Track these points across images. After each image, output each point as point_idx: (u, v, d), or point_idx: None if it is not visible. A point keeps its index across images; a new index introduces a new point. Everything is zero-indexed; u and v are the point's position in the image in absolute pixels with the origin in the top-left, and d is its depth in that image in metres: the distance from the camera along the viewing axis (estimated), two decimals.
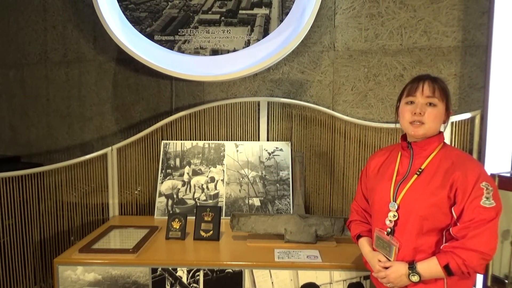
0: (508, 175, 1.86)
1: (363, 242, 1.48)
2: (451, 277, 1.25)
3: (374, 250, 1.42)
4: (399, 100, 1.42)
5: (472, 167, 1.27)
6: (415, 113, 1.32)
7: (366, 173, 1.55)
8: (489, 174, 1.91)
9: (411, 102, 1.34)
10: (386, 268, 1.33)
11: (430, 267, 1.25)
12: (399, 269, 1.29)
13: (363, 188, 1.56)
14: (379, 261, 1.36)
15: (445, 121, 1.37)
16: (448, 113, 1.36)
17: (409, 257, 1.30)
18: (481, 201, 1.21)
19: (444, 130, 1.41)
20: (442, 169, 1.30)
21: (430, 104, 1.31)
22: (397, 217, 1.32)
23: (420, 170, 1.33)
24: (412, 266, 1.27)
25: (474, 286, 2.06)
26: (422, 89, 1.32)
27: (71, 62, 2.64)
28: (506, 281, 1.85)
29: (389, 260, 1.34)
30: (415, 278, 1.26)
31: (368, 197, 1.52)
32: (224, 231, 2.11)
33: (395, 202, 1.33)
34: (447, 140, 2.20)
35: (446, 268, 1.22)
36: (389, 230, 1.34)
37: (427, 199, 1.27)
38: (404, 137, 1.43)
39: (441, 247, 1.27)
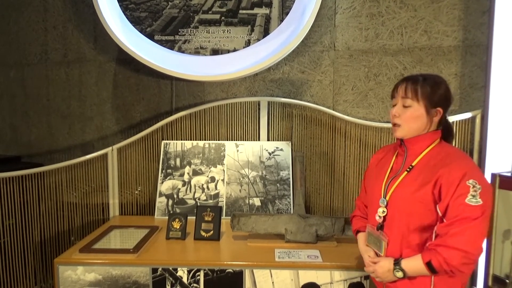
0: (509, 174, 1.86)
1: (360, 238, 1.52)
2: (438, 275, 1.24)
3: (368, 246, 1.45)
4: None
5: (460, 164, 1.25)
6: (394, 116, 1.37)
7: (368, 169, 1.58)
8: (489, 173, 1.92)
9: (395, 105, 1.38)
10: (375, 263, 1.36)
11: (414, 264, 1.26)
12: (385, 265, 1.31)
13: (366, 184, 1.59)
14: (369, 256, 1.40)
15: (432, 120, 1.33)
16: (436, 111, 1.32)
17: (397, 253, 1.32)
18: (466, 198, 1.19)
19: (439, 127, 1.37)
20: (430, 166, 1.30)
21: (405, 105, 1.34)
22: (385, 212, 1.35)
23: (410, 167, 1.35)
24: (397, 262, 1.29)
25: (475, 286, 2.06)
26: (398, 91, 1.36)
27: (71, 62, 2.64)
28: (507, 280, 1.84)
29: (379, 256, 1.37)
30: (399, 274, 1.28)
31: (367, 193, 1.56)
32: (224, 231, 2.11)
33: (385, 198, 1.36)
34: None
35: (429, 266, 1.22)
36: (379, 225, 1.37)
37: (413, 195, 1.29)
38: None
39: (427, 244, 1.27)
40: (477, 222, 1.17)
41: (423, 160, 1.34)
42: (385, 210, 1.35)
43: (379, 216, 1.36)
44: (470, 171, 1.23)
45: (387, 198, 1.35)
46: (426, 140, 1.35)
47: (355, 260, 1.72)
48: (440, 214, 1.24)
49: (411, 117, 1.32)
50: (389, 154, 1.49)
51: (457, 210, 1.19)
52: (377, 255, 1.40)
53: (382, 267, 1.32)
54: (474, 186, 1.20)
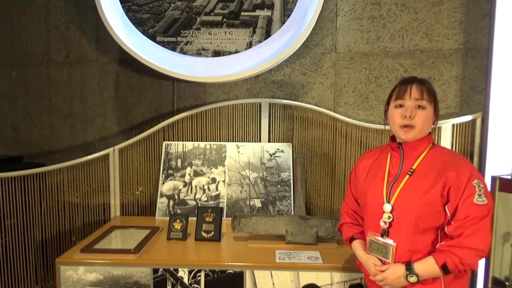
0: (509, 177, 1.87)
1: (357, 245, 1.47)
2: (447, 276, 1.27)
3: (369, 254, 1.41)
4: (387, 103, 1.43)
5: (464, 165, 1.30)
6: (405, 117, 1.32)
7: (355, 174, 1.53)
8: (489, 176, 1.93)
9: (400, 106, 1.35)
10: (383, 271, 1.32)
11: (427, 267, 1.26)
12: (396, 271, 1.29)
13: (353, 190, 1.54)
14: (375, 265, 1.35)
15: (434, 122, 1.38)
16: (436, 114, 1.37)
17: (406, 258, 1.30)
18: (474, 198, 1.23)
19: (431, 130, 1.41)
20: (434, 168, 1.31)
21: (419, 106, 1.32)
22: (391, 218, 1.32)
23: (411, 170, 1.34)
24: (409, 267, 1.27)
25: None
26: (410, 92, 1.33)
27: (73, 63, 2.65)
28: (507, 283, 1.85)
29: (384, 263, 1.34)
30: (413, 279, 1.26)
31: (359, 199, 1.50)
32: (225, 232, 2.11)
33: (389, 203, 1.33)
34: (447, 142, 2.21)
35: (444, 268, 1.23)
36: (383, 231, 1.33)
37: (421, 198, 1.28)
38: (394, 137, 1.43)
39: (437, 246, 1.27)
40: (486, 220, 1.22)
41: (423, 163, 1.34)
42: (391, 215, 1.31)
43: (385, 222, 1.33)
44: (474, 171, 1.29)
45: (392, 203, 1.32)
46: (425, 143, 1.37)
47: (355, 261, 1.73)
48: (449, 215, 1.26)
49: (425, 119, 1.32)
50: (380, 158, 1.46)
51: (466, 210, 1.22)
52: (381, 262, 1.35)
53: (393, 274, 1.29)
54: (479, 186, 1.25)
